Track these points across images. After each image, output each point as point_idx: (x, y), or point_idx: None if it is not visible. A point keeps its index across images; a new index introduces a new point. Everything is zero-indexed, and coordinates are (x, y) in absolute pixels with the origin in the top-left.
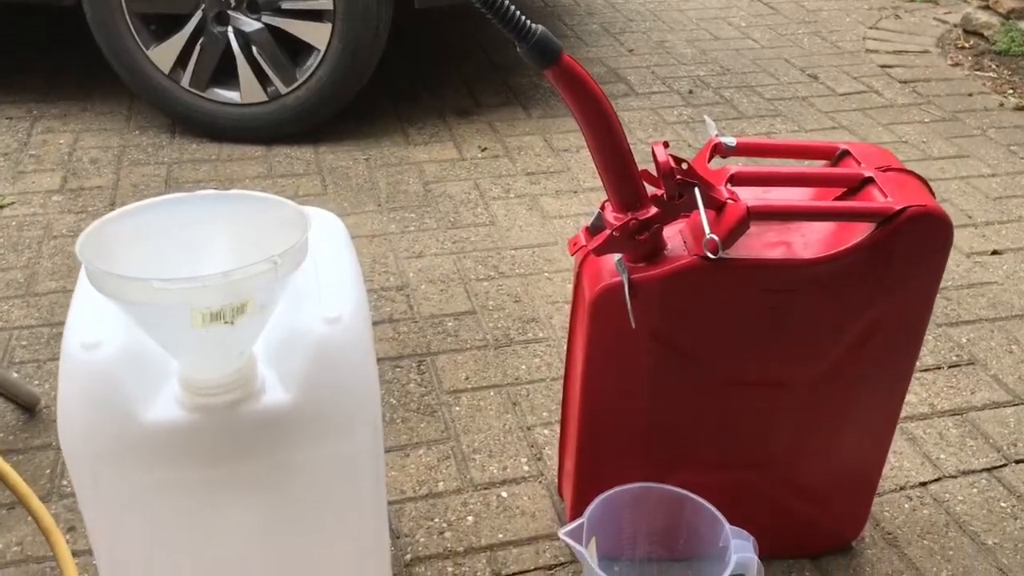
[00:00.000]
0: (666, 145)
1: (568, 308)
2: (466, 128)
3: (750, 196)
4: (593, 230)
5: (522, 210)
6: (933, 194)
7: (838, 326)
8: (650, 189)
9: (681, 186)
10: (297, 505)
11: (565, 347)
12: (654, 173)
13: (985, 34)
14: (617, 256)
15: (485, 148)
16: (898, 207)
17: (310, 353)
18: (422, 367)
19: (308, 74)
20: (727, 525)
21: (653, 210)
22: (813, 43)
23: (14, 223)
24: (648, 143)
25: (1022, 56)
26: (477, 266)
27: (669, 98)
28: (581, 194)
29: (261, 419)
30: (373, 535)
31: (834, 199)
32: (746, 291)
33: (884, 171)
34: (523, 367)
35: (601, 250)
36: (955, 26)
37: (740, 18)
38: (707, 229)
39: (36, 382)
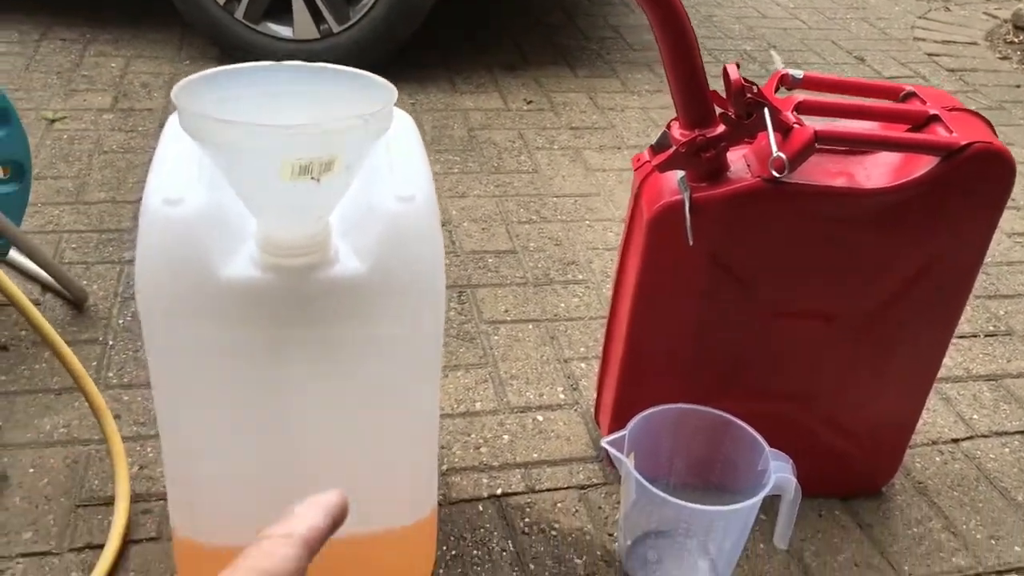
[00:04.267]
0: (738, 66)
1: (608, 255)
2: (512, 81)
3: (816, 124)
4: (657, 148)
5: (565, 161)
6: (996, 134)
7: (893, 261)
8: (718, 111)
9: (750, 106)
10: (359, 375)
11: (604, 290)
12: (723, 95)
13: None
14: (680, 174)
15: (530, 101)
16: (963, 142)
17: (383, 229)
18: (462, 297)
19: (362, 14)
20: (767, 448)
21: (721, 128)
22: (861, 28)
23: (65, 136)
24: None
25: None
26: (519, 209)
27: (716, 68)
28: (625, 151)
29: (333, 286)
30: (427, 415)
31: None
32: (805, 218)
33: (949, 110)
34: (562, 305)
35: (665, 166)
36: (1005, 21)
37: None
38: (774, 148)
39: (85, 282)
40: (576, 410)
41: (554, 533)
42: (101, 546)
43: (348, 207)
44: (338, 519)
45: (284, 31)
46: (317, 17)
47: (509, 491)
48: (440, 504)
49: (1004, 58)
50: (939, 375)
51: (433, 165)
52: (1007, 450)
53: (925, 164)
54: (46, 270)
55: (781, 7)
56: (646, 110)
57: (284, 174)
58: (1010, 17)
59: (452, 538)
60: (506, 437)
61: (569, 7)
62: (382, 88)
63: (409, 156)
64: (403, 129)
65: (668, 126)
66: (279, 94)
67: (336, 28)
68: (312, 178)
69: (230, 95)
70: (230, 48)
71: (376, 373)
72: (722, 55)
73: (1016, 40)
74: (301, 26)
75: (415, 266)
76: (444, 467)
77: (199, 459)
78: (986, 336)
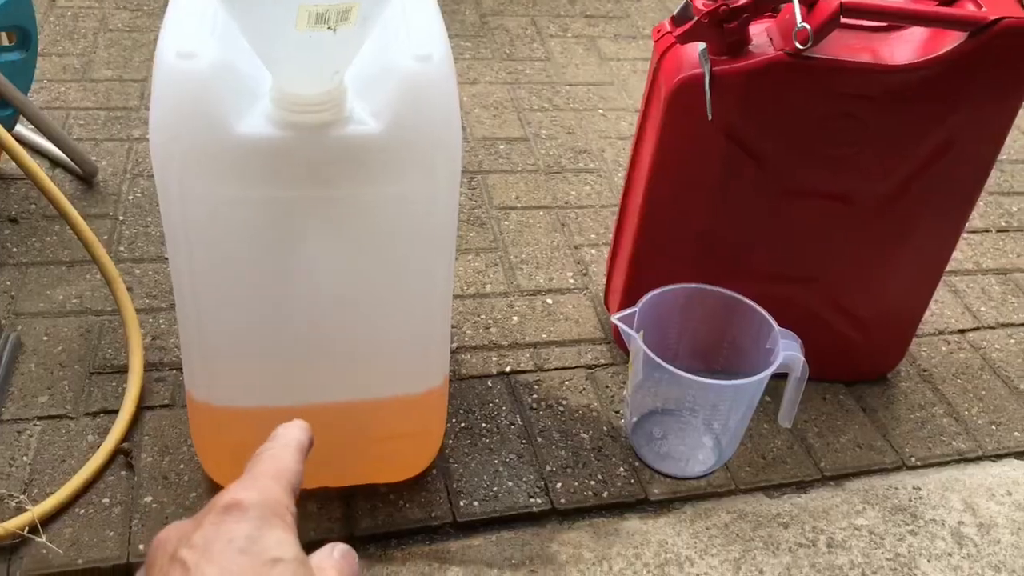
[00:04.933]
0: None
1: (621, 144)
2: None
3: None
4: (678, 20)
5: (579, 49)
6: None
7: (911, 141)
8: None
9: None
10: (375, 238)
11: (617, 179)
12: None
13: None
14: (701, 47)
15: None
16: (993, 17)
17: (400, 87)
18: (473, 183)
19: None
20: (776, 327)
21: None
22: None
23: (69, 13)
24: None
25: None
26: (531, 96)
27: None
28: (640, 40)
29: (349, 144)
30: (441, 281)
31: None
32: (826, 94)
33: None
34: (573, 192)
35: (686, 38)
36: None
37: None
38: (799, 19)
39: (94, 158)
40: (585, 294)
41: (561, 409)
42: (116, 411)
43: (364, 66)
44: (311, 436)
45: None
46: None
47: (518, 369)
48: (450, 379)
49: None
50: (949, 267)
51: None
52: (1012, 341)
53: (952, 40)
54: (55, 143)
55: None
56: (662, 0)
57: (300, 23)
58: None
59: (462, 411)
60: (515, 318)
61: None
62: None
63: (425, 17)
64: None
65: None
66: None
67: None
68: (328, 27)
69: None
70: None
71: (392, 236)
72: None
73: None
74: None
75: (432, 126)
76: (455, 345)
77: (214, 321)
78: (998, 231)
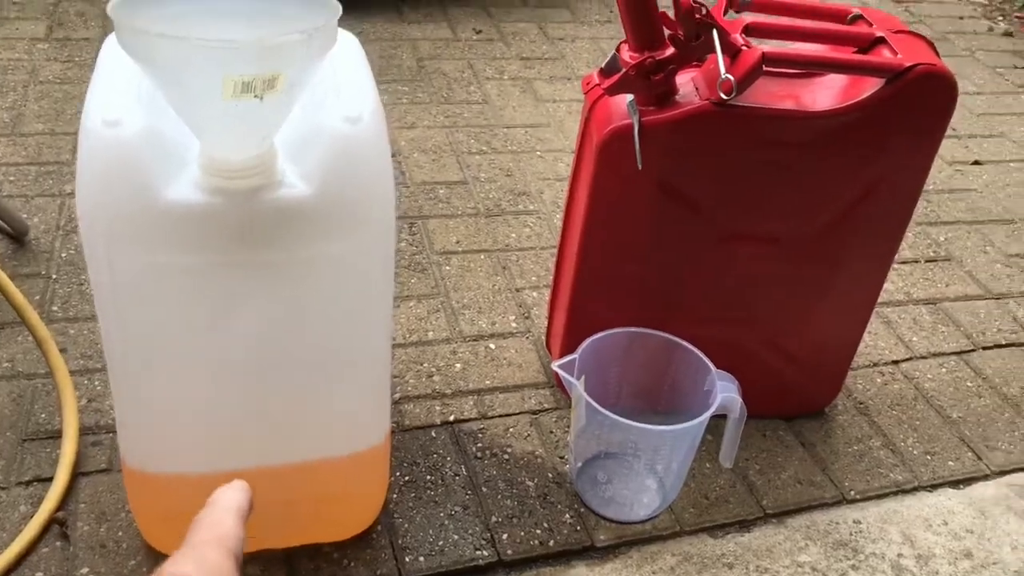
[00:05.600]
0: None
1: (560, 185)
2: (461, 11)
3: (764, 47)
4: (606, 71)
5: (516, 92)
6: (939, 57)
7: (838, 184)
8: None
9: (699, 27)
10: (309, 300)
11: (555, 220)
12: (672, 17)
13: None
14: (629, 98)
15: (480, 31)
16: (908, 64)
17: (330, 150)
18: (413, 228)
19: None
20: (714, 369)
21: (670, 50)
22: None
23: None
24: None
25: None
26: (470, 140)
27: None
28: (575, 81)
29: (280, 208)
30: (379, 340)
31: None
32: (752, 141)
33: (895, 33)
34: (513, 235)
35: (614, 89)
36: None
37: None
38: (723, 70)
39: (25, 215)
40: (528, 338)
41: (506, 457)
42: (50, 479)
43: (294, 129)
44: (250, 498)
45: None
46: None
47: (462, 417)
48: (393, 431)
49: None
50: (881, 299)
51: (381, 95)
52: (943, 370)
53: (871, 86)
54: None
55: None
56: (596, 40)
57: (226, 92)
58: None
59: (405, 464)
60: (458, 365)
61: None
62: (326, 4)
63: (356, 77)
64: (349, 50)
65: (617, 48)
66: (220, 11)
67: None
68: (255, 96)
69: (169, 12)
70: None
71: (327, 297)
72: None
73: None
74: None
75: (364, 186)
76: (397, 395)
77: (147, 387)
78: (926, 261)
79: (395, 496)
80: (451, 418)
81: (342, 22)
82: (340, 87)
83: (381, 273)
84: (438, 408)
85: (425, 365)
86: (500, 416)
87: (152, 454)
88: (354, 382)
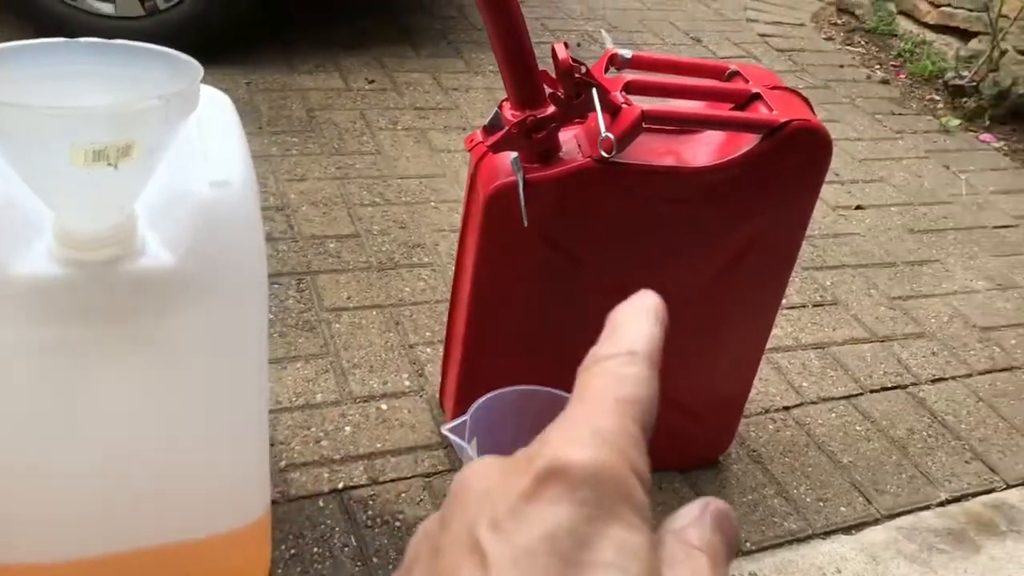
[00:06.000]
0: (566, 46)
1: (454, 237)
2: (353, 61)
3: (643, 104)
4: (490, 129)
5: (409, 142)
6: (814, 112)
7: (720, 237)
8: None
9: (579, 86)
10: (176, 374)
11: (451, 273)
12: (553, 75)
13: (856, 13)
14: (513, 155)
15: (372, 81)
16: (783, 120)
17: (195, 216)
18: (302, 285)
19: None
20: None
21: (551, 108)
22: (697, 9)
23: None
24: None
25: (888, 34)
26: (362, 192)
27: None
28: (470, 131)
29: (140, 279)
30: (253, 411)
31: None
32: (635, 197)
33: (770, 89)
34: (407, 289)
35: (498, 147)
36: (829, 3)
37: None
38: (603, 129)
39: None
40: (421, 396)
41: (398, 524)
42: None
43: (156, 194)
44: (665, 324)
45: (105, 7)
46: None
47: (351, 484)
48: (277, 502)
49: (829, 39)
50: (770, 345)
51: (270, 147)
52: (833, 415)
53: (748, 142)
54: None
55: None
56: (491, 90)
57: (76, 161)
58: (834, 0)
59: (291, 537)
60: (348, 428)
61: None
62: (187, 66)
63: (226, 137)
64: (218, 109)
65: (500, 106)
66: (77, 73)
67: (162, 4)
68: (109, 164)
69: (18, 76)
70: (47, 28)
71: (193, 369)
72: (564, 35)
73: (839, 22)
74: (123, 2)
75: (232, 255)
76: (282, 463)
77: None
78: (814, 306)
79: (280, 572)
80: (340, 485)
81: (227, 74)
82: (207, 149)
83: (253, 341)
84: (326, 475)
85: (313, 430)
86: (392, 481)
87: (9, 544)
88: (227, 456)
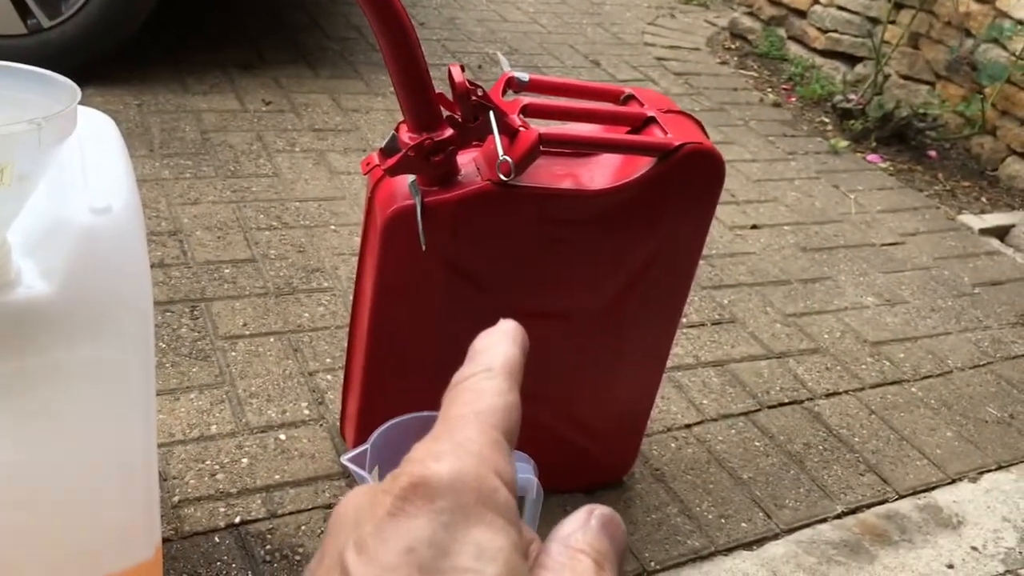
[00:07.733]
0: (462, 68)
1: (355, 260)
2: (249, 81)
3: (541, 127)
4: (387, 152)
5: (308, 164)
6: (707, 135)
7: (618, 258)
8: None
9: (476, 109)
10: (53, 410)
11: (351, 297)
12: (450, 98)
13: (749, 38)
14: (411, 178)
15: (269, 102)
16: (677, 143)
17: (75, 244)
18: (195, 312)
19: (76, 8)
20: None
21: (448, 131)
22: (596, 33)
23: None
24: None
25: (780, 59)
26: (259, 215)
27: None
28: (370, 152)
29: (14, 311)
30: (140, 446)
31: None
32: (534, 220)
33: (665, 112)
34: (306, 315)
35: (395, 170)
36: (723, 28)
37: (528, 4)
38: (501, 152)
39: None
40: (322, 425)
41: (297, 559)
42: None
43: (32, 222)
44: (524, 345)
45: None
46: (23, 10)
47: (248, 518)
48: (171, 540)
49: (723, 63)
50: (671, 364)
51: (162, 171)
52: (733, 431)
53: (644, 164)
54: None
55: (521, 11)
56: (391, 112)
57: None
58: (727, 25)
59: (185, 575)
60: (245, 460)
61: (310, 7)
62: (64, 88)
63: (109, 162)
64: (100, 132)
65: (396, 129)
66: None
67: (46, 23)
68: None
69: None
70: None
71: (73, 406)
72: (465, 58)
73: (733, 46)
74: (3, 20)
75: (113, 283)
76: (176, 498)
77: None
78: (713, 324)
79: None
80: (237, 520)
81: (117, 95)
82: (88, 174)
83: (138, 373)
84: (222, 510)
85: (208, 463)
86: (291, 513)
87: None
88: (112, 494)
